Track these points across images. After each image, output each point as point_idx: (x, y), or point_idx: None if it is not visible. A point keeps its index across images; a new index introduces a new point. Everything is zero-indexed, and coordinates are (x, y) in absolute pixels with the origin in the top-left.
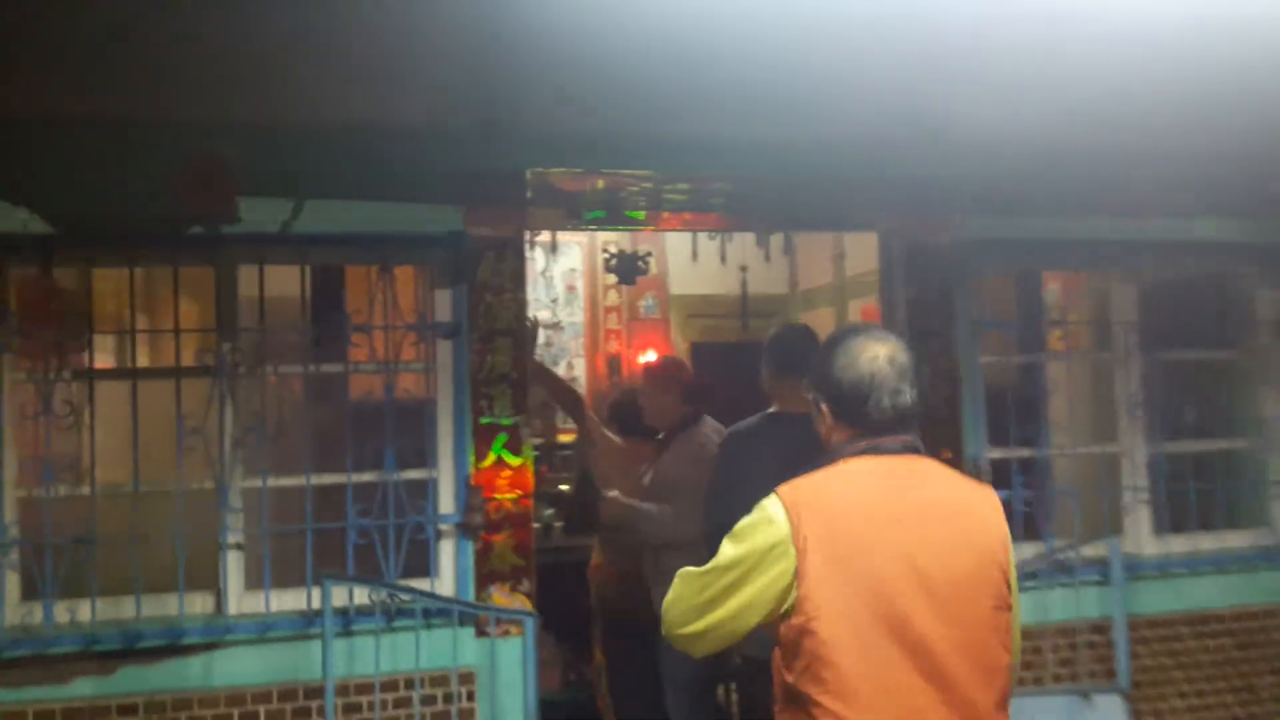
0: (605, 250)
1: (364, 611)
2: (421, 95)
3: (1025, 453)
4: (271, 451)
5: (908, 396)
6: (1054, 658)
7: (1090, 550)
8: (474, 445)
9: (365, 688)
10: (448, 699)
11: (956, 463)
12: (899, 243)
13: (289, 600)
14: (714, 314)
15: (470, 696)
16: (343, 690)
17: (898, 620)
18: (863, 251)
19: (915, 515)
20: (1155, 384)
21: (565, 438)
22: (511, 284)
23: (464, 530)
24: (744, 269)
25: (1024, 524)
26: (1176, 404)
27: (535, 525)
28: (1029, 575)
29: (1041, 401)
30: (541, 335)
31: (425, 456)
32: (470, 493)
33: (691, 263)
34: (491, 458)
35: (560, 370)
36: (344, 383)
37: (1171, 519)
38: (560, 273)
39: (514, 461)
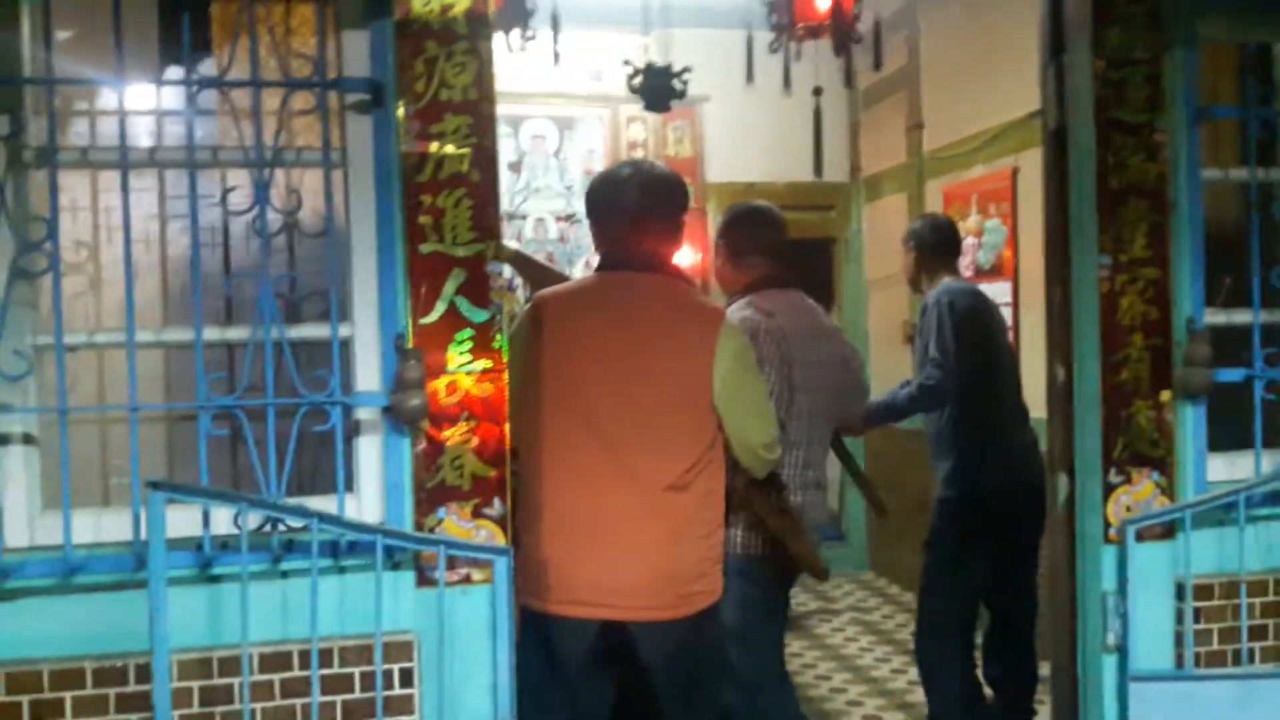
0: (626, 64)
1: (230, 546)
2: None
3: (1266, 317)
4: (73, 289)
5: (644, 221)
6: None
7: None
8: (410, 288)
9: (234, 664)
10: (369, 681)
11: (1163, 325)
12: None
13: (108, 526)
14: None
15: (407, 678)
16: (195, 668)
17: (584, 398)
18: (948, 119)
19: (625, 318)
20: None
21: None
22: (469, 27)
23: (395, 420)
24: (818, 93)
25: (1267, 420)
26: None
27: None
28: (1270, 498)
29: None
30: (554, 229)
31: (329, 304)
32: (405, 361)
33: (750, 89)
34: (441, 309)
35: (576, 271)
36: (192, 181)
37: None
38: (577, 154)
39: (477, 317)
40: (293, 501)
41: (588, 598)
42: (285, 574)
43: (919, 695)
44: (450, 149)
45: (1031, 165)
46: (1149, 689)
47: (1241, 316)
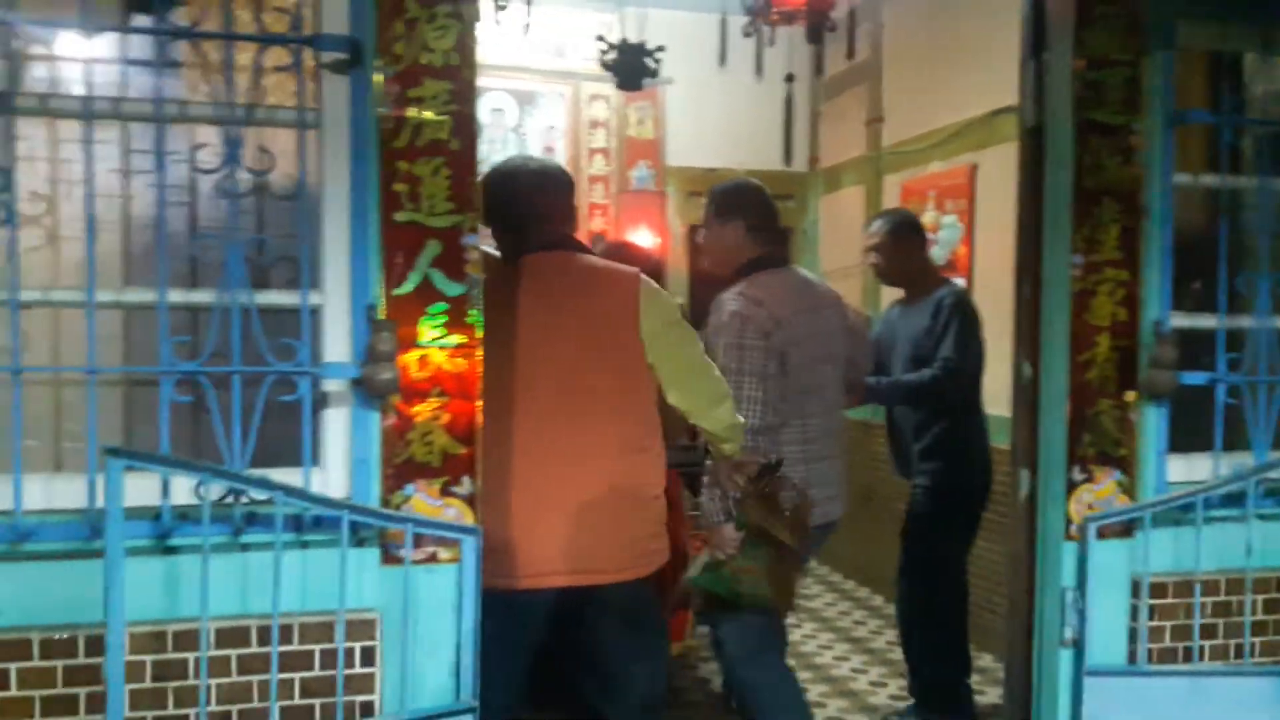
0: (600, 40)
1: (189, 517)
2: None
3: (1230, 322)
4: (29, 244)
5: (550, 202)
6: (1256, 622)
7: None
8: (384, 257)
9: (190, 638)
10: (329, 658)
11: (1130, 326)
12: None
13: (61, 494)
14: None
15: (368, 656)
16: (148, 642)
17: (531, 370)
18: (908, 114)
19: (555, 293)
20: None
21: None
22: None
23: (365, 392)
24: (790, 80)
25: (1226, 424)
26: None
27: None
28: (1228, 500)
29: (1253, 247)
30: None
31: (299, 271)
32: (376, 332)
33: (717, 72)
34: (414, 280)
35: None
36: (161, 135)
37: None
38: (536, 130)
39: (452, 290)
40: (256, 473)
41: (556, 567)
42: (246, 547)
43: (862, 684)
44: (429, 115)
45: (990, 163)
46: (1103, 684)
47: (1206, 321)
